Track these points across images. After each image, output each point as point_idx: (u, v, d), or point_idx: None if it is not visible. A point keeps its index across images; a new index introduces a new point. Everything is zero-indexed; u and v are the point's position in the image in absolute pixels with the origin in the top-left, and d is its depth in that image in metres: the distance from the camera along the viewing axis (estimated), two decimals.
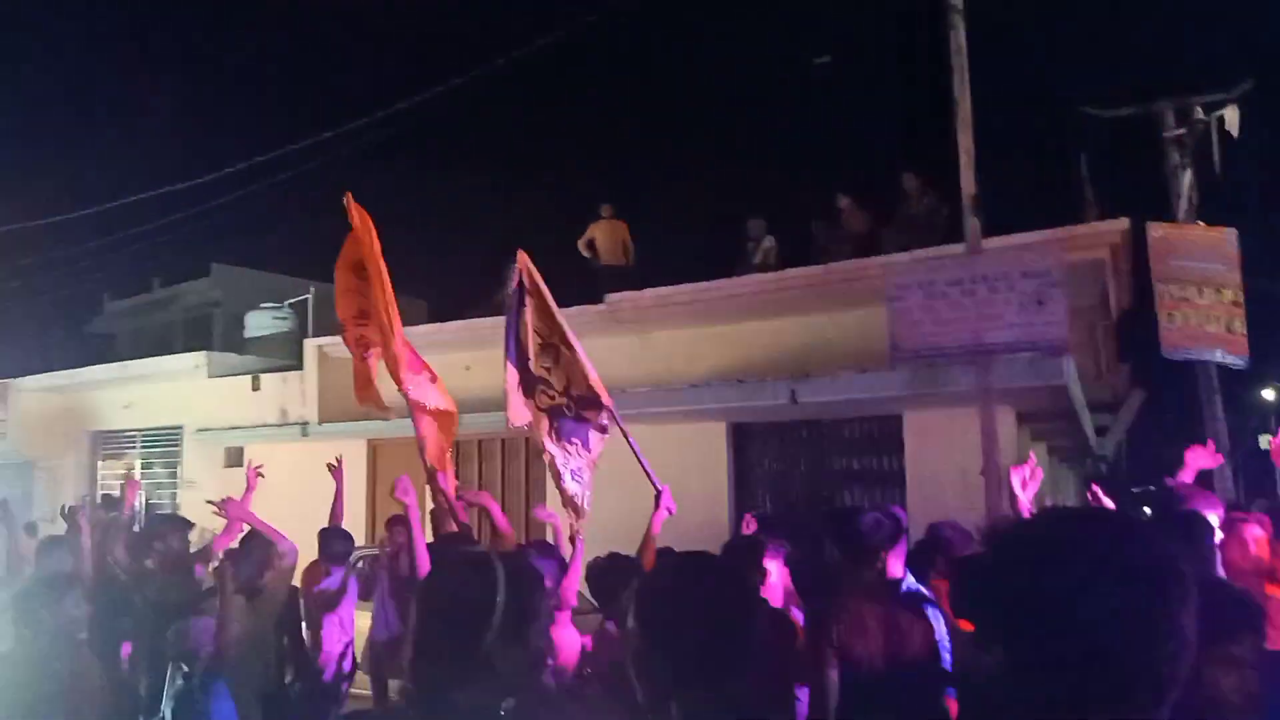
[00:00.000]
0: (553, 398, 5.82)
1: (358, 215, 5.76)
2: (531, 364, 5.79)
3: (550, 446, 5.80)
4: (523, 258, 5.91)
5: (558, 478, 5.78)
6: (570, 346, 5.76)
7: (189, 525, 5.96)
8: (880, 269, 9.10)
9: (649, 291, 10.84)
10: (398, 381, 5.63)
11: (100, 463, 16.48)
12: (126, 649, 4.94)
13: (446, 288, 16.30)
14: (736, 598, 1.77)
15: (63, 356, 18.04)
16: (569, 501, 5.74)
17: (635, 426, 9.94)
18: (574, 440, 5.85)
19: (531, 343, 5.82)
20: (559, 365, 5.83)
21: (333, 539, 6.41)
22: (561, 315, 5.86)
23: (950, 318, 8.30)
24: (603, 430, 5.89)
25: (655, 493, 5.22)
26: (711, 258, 11.73)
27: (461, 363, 11.20)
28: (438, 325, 12.53)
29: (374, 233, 5.73)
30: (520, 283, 5.85)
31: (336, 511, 6.74)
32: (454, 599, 1.97)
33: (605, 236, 12.84)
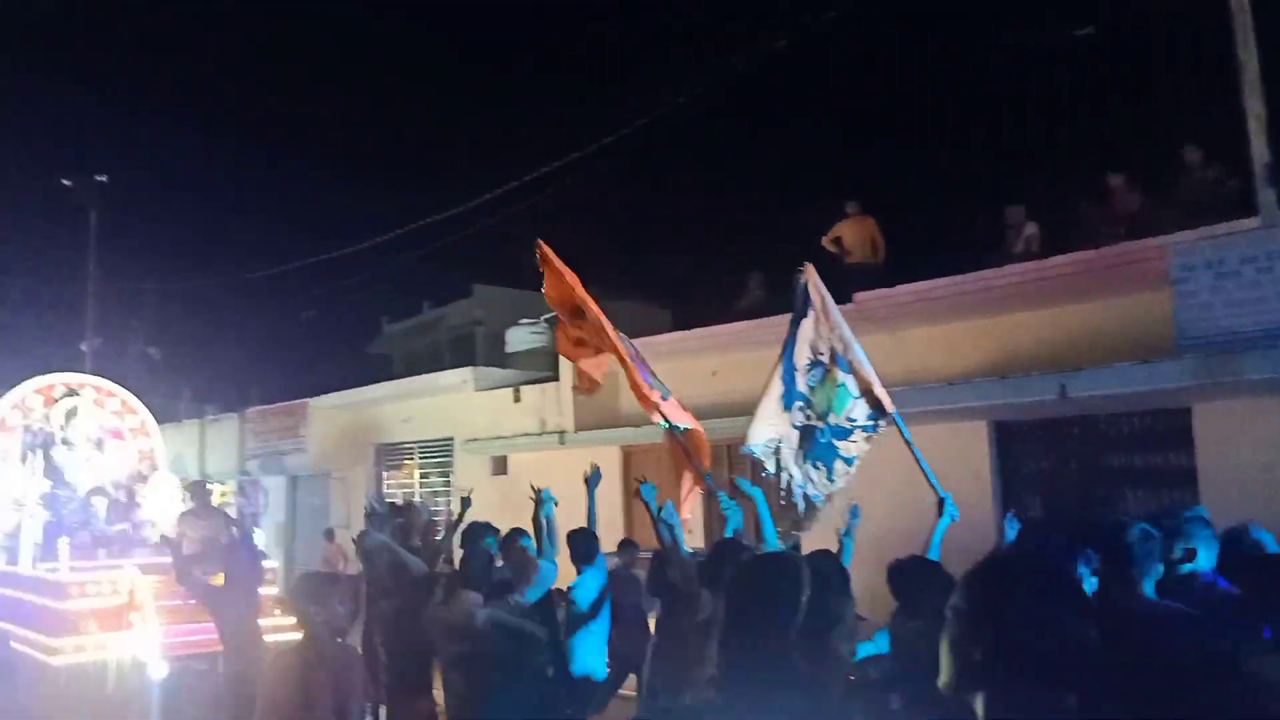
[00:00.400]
0: (809, 417, 5.76)
1: (550, 259, 5.99)
2: (799, 378, 5.77)
3: (792, 467, 5.72)
4: (810, 271, 5.89)
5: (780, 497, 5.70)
6: (846, 363, 5.74)
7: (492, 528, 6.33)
8: (1159, 250, 8.34)
9: (902, 288, 10.46)
10: (647, 410, 5.82)
11: (384, 473, 17.80)
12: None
13: (690, 294, 16.44)
14: (1066, 597, 1.67)
15: (348, 377, 19.62)
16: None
17: (891, 428, 9.63)
18: (819, 464, 5.75)
19: (801, 359, 5.78)
20: (823, 386, 5.79)
21: (579, 540, 6.50)
22: (846, 328, 5.80)
23: (1244, 299, 7.50)
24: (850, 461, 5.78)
25: (937, 499, 5.04)
26: (966, 250, 11.17)
27: (707, 369, 11.25)
28: (682, 333, 12.65)
29: (563, 274, 5.96)
30: (806, 297, 5.85)
31: (590, 518, 6.93)
32: (760, 594, 1.97)
33: (852, 234, 12.54)
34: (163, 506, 11.56)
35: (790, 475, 5.74)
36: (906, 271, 10.80)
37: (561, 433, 13.50)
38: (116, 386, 12.80)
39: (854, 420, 5.78)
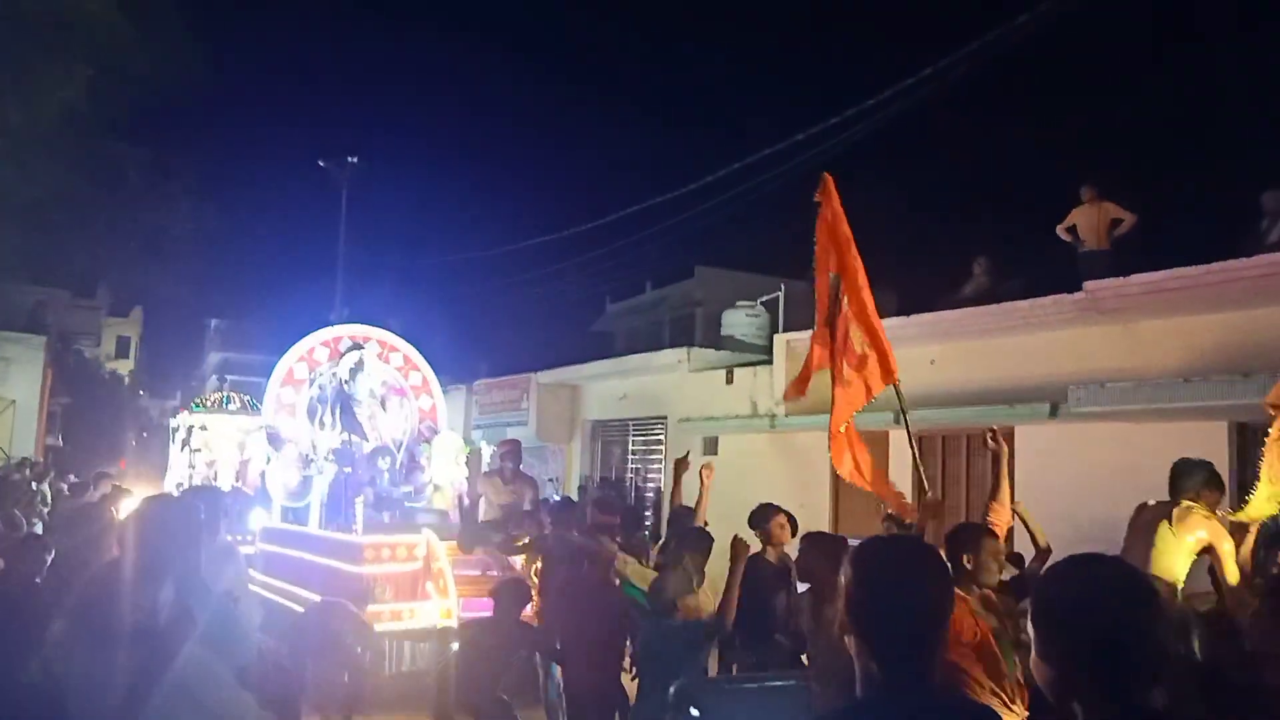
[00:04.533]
0: None
1: (829, 197, 5.80)
2: None
3: None
4: None
5: None
6: None
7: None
8: None
9: (1137, 277, 9.86)
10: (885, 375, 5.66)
11: (599, 448, 18.42)
12: None
13: (916, 278, 16.10)
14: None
15: (570, 354, 20.35)
16: None
17: (1115, 425, 9.17)
18: None
19: None
20: None
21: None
22: None
23: None
24: None
25: None
26: (1208, 239, 10.43)
27: (926, 357, 11.05)
28: (904, 319, 12.39)
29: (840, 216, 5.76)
30: None
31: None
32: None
33: (1086, 220, 11.97)
34: (446, 469, 10.93)
35: None
36: (1139, 260, 10.20)
37: (772, 417, 13.56)
38: (400, 341, 12.03)
39: None
